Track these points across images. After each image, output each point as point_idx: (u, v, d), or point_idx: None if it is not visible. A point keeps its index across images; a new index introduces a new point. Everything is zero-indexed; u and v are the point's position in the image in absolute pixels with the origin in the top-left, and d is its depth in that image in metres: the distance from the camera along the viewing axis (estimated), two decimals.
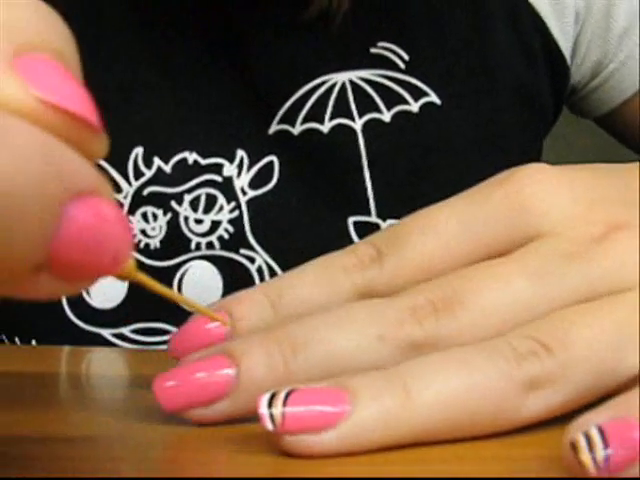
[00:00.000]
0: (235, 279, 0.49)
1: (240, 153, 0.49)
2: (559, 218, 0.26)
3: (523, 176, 0.27)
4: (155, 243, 0.48)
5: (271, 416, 0.22)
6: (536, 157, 0.55)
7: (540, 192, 0.27)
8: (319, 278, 0.27)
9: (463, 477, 0.22)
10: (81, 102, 0.17)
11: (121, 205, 0.48)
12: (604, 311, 0.25)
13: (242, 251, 0.49)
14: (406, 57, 0.50)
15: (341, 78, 0.50)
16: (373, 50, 0.50)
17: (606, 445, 0.19)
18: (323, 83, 0.49)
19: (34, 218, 0.16)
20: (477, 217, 0.27)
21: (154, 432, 0.26)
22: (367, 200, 0.50)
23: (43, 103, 0.17)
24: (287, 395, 0.22)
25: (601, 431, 0.20)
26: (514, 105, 0.52)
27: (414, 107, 0.50)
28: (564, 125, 0.59)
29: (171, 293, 0.23)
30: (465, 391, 0.23)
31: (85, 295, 0.48)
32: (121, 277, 0.19)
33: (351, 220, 0.50)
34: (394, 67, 0.50)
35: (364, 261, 0.27)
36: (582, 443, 0.20)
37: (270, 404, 0.22)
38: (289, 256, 0.49)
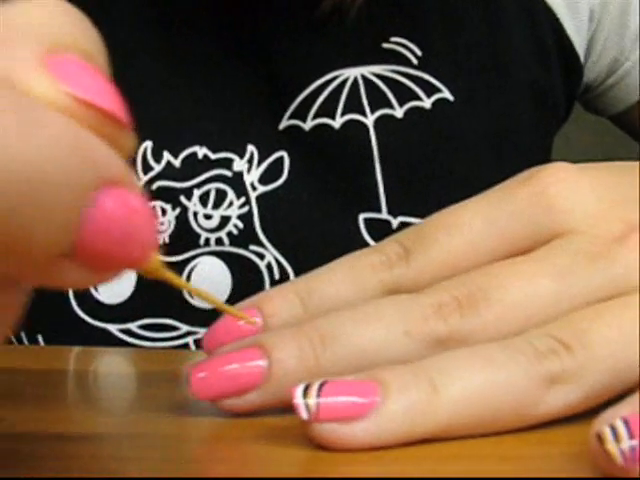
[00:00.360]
0: (244, 275, 0.49)
1: (250, 148, 0.49)
2: (582, 217, 0.27)
3: (547, 175, 0.27)
4: (164, 238, 0.48)
5: (306, 406, 0.23)
6: (546, 154, 0.55)
7: (564, 191, 0.27)
8: (347, 276, 0.28)
9: (463, 477, 0.22)
10: (110, 99, 0.18)
11: None
12: (623, 310, 0.25)
13: (251, 247, 0.49)
14: (419, 53, 0.50)
15: (353, 73, 0.49)
16: (385, 45, 0.50)
17: (632, 436, 0.20)
18: (335, 78, 0.49)
19: (63, 205, 0.16)
20: (502, 215, 0.27)
21: (163, 431, 0.26)
22: (378, 197, 0.49)
23: (74, 100, 0.17)
24: (320, 386, 0.23)
25: (626, 423, 0.20)
26: (526, 102, 0.52)
27: (427, 103, 0.50)
28: (565, 123, 0.59)
29: (199, 292, 0.23)
30: (489, 387, 0.24)
31: (92, 290, 0.48)
32: (147, 273, 0.20)
33: (362, 217, 0.50)
34: (407, 63, 0.50)
35: (391, 259, 0.28)
36: (608, 435, 0.20)
37: (305, 395, 0.23)
38: (299, 252, 0.49)
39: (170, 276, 0.21)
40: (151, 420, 0.27)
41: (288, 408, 0.25)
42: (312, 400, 0.23)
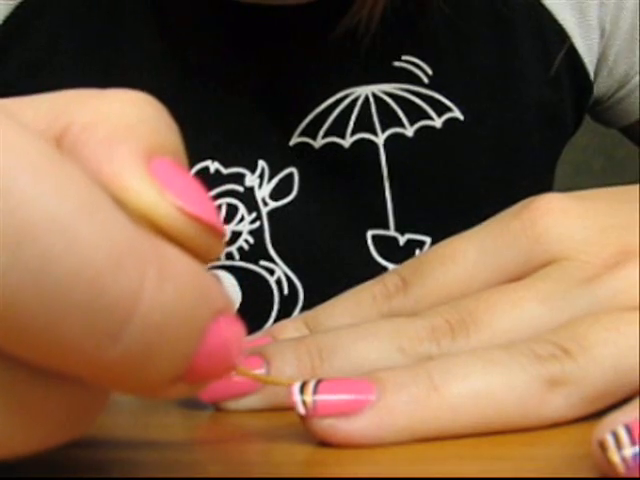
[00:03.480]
0: (254, 290, 0.49)
1: (261, 163, 0.49)
2: (571, 245, 0.28)
3: (537, 207, 0.29)
4: None
5: (303, 402, 0.23)
6: (553, 169, 0.55)
7: (552, 221, 0.28)
8: (349, 307, 0.30)
9: (463, 477, 0.22)
10: (207, 208, 0.18)
11: None
12: (621, 314, 0.26)
13: (261, 262, 0.49)
14: (430, 72, 0.50)
15: (364, 91, 0.50)
16: (397, 64, 0.50)
17: (633, 442, 0.19)
18: (346, 97, 0.49)
19: (185, 337, 0.17)
20: (494, 246, 0.29)
21: (162, 431, 0.26)
22: (386, 214, 0.50)
23: (180, 212, 0.17)
24: (317, 383, 0.24)
25: (628, 429, 0.20)
26: (535, 120, 0.52)
27: (437, 123, 0.50)
28: None
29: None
30: (489, 384, 0.24)
31: None
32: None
33: (370, 233, 0.50)
34: (418, 82, 0.50)
35: (390, 289, 0.30)
36: (610, 442, 0.20)
37: (302, 391, 0.24)
38: (308, 268, 0.49)
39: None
40: (150, 421, 0.27)
41: (288, 408, 0.26)
42: (309, 397, 0.23)
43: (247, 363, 0.27)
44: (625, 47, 0.54)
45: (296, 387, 0.24)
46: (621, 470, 0.19)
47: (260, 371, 0.27)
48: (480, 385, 0.24)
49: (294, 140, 0.49)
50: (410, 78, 0.50)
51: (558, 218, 0.28)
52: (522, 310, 0.27)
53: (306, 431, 0.24)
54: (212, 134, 0.49)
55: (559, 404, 0.24)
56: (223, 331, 0.17)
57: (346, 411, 0.23)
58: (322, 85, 0.49)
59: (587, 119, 0.58)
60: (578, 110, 0.55)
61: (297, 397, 0.24)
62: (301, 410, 0.23)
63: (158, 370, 0.16)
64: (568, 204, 0.28)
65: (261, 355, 0.27)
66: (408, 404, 0.23)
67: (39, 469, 0.22)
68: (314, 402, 0.23)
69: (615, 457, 0.19)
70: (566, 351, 0.24)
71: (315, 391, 0.23)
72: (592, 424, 0.21)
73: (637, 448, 0.19)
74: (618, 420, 0.20)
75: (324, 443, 0.24)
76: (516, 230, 0.28)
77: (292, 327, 0.30)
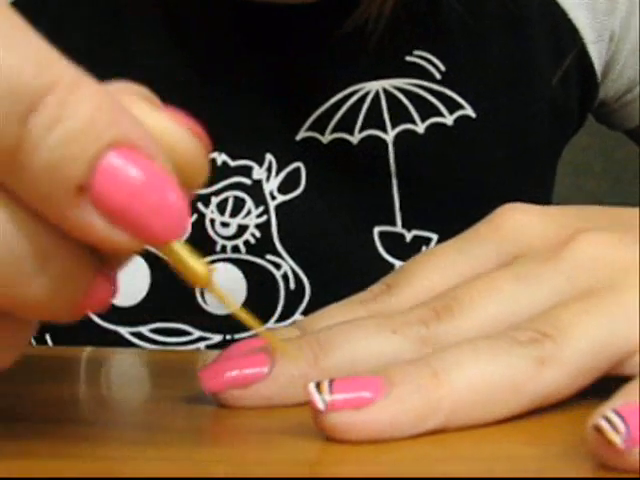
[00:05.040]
0: (260, 284, 0.49)
1: (269, 157, 0.49)
2: (533, 234, 0.31)
3: (503, 213, 0.32)
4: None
5: (322, 399, 0.25)
6: (555, 168, 0.55)
7: (515, 220, 0.32)
8: (343, 311, 0.32)
9: (463, 477, 0.22)
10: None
11: None
12: (589, 297, 0.28)
13: (268, 257, 0.49)
14: (442, 67, 0.50)
15: (375, 87, 0.49)
16: (409, 58, 0.50)
17: (626, 423, 0.22)
18: (356, 92, 0.49)
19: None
20: (470, 246, 0.32)
21: (162, 432, 0.26)
22: (393, 210, 0.50)
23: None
24: (330, 382, 0.25)
25: (618, 413, 0.22)
26: (545, 119, 0.52)
27: (449, 120, 0.50)
28: None
29: (243, 316, 0.25)
30: (483, 370, 0.26)
31: None
32: (195, 284, 0.22)
33: (376, 229, 0.50)
34: (430, 77, 0.50)
35: (376, 294, 0.32)
36: (605, 425, 0.22)
37: (318, 389, 0.25)
38: (315, 264, 0.49)
39: (218, 293, 0.23)
40: (150, 421, 0.28)
41: (288, 409, 0.27)
42: (326, 394, 0.25)
43: (251, 361, 0.28)
44: (633, 53, 0.54)
45: (312, 386, 0.25)
46: (620, 445, 0.22)
47: (264, 369, 0.28)
48: (475, 371, 0.26)
49: (301, 134, 0.49)
50: (422, 73, 0.50)
51: (520, 217, 0.32)
52: (500, 289, 0.29)
53: (317, 427, 0.25)
54: (220, 126, 0.49)
55: (548, 379, 0.26)
56: (121, 162, 0.20)
57: (361, 405, 0.25)
58: (331, 80, 0.49)
59: (588, 120, 0.58)
60: (583, 110, 0.55)
61: (315, 395, 0.25)
62: (320, 406, 0.25)
63: (63, 174, 0.19)
64: (529, 207, 0.32)
65: (265, 352, 0.28)
66: (416, 392, 0.25)
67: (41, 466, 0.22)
68: (332, 398, 0.25)
69: (612, 435, 0.22)
70: (544, 334, 0.27)
71: (330, 389, 0.25)
72: (586, 422, 0.23)
73: (629, 426, 0.22)
74: (608, 407, 0.23)
75: (325, 443, 0.24)
76: (486, 232, 0.32)
77: (286, 331, 0.31)
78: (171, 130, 0.22)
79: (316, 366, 0.28)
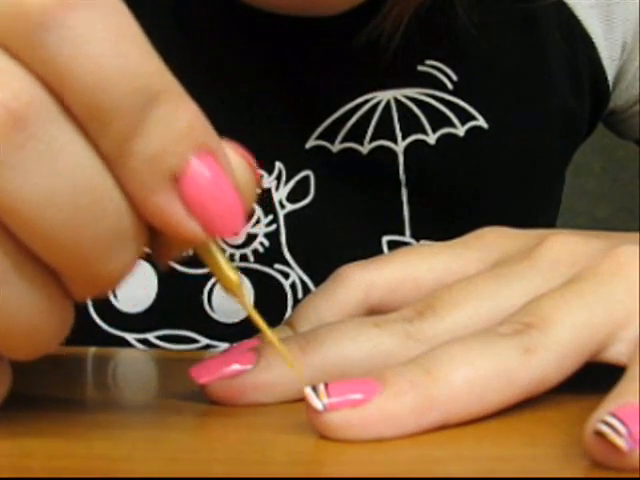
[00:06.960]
0: (268, 293, 0.49)
1: (278, 165, 0.49)
2: (509, 245, 0.34)
3: (486, 232, 0.35)
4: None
5: (319, 401, 0.25)
6: (563, 178, 0.55)
7: (496, 234, 0.35)
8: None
9: (463, 477, 0.23)
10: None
11: None
12: (565, 288, 0.29)
13: (276, 266, 0.49)
14: (455, 78, 0.50)
15: (386, 96, 0.49)
16: (421, 68, 0.49)
17: (624, 424, 0.23)
18: (367, 101, 0.49)
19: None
20: (457, 249, 0.35)
21: (161, 432, 0.26)
22: (402, 220, 0.49)
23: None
24: (326, 385, 0.26)
25: (615, 416, 0.23)
26: (557, 129, 0.52)
27: (460, 131, 0.50)
28: None
29: (264, 327, 0.27)
30: (475, 363, 0.27)
31: (112, 298, 0.47)
32: (227, 288, 0.26)
33: (385, 239, 0.50)
34: (442, 87, 0.49)
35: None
36: (607, 430, 0.23)
37: (315, 392, 0.26)
38: (323, 273, 0.49)
39: (243, 300, 0.26)
40: (150, 421, 0.28)
41: (287, 409, 0.29)
42: (323, 396, 0.26)
43: (241, 359, 0.29)
44: None
45: (309, 388, 0.26)
46: (624, 448, 0.22)
47: (249, 366, 0.29)
48: (466, 363, 0.27)
49: (311, 143, 0.49)
50: (434, 83, 0.49)
51: (501, 232, 0.35)
52: (474, 285, 0.31)
53: (315, 428, 0.25)
54: (228, 134, 0.48)
55: (537, 366, 0.27)
56: (207, 167, 0.24)
57: (357, 404, 0.25)
58: (342, 89, 0.49)
59: None
60: (593, 119, 0.55)
61: (312, 397, 0.26)
62: (319, 406, 0.25)
63: (165, 163, 0.24)
64: (508, 229, 0.35)
65: (253, 349, 0.30)
66: (410, 389, 0.26)
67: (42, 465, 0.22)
68: (329, 399, 0.25)
69: (614, 438, 0.22)
70: (528, 324, 0.28)
71: (326, 392, 0.26)
72: (584, 427, 0.23)
73: (629, 428, 0.23)
74: (604, 411, 0.23)
75: (324, 443, 0.25)
76: (474, 242, 0.35)
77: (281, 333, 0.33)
78: (231, 157, 0.26)
79: (304, 357, 0.29)
